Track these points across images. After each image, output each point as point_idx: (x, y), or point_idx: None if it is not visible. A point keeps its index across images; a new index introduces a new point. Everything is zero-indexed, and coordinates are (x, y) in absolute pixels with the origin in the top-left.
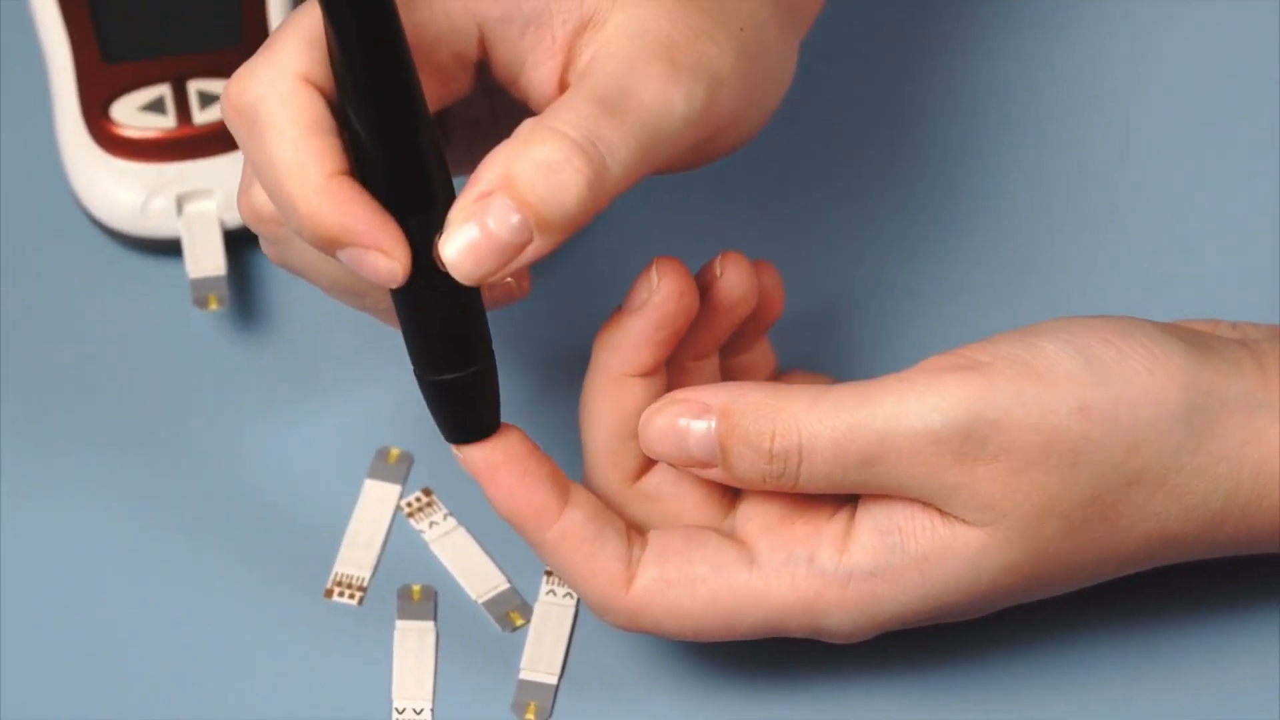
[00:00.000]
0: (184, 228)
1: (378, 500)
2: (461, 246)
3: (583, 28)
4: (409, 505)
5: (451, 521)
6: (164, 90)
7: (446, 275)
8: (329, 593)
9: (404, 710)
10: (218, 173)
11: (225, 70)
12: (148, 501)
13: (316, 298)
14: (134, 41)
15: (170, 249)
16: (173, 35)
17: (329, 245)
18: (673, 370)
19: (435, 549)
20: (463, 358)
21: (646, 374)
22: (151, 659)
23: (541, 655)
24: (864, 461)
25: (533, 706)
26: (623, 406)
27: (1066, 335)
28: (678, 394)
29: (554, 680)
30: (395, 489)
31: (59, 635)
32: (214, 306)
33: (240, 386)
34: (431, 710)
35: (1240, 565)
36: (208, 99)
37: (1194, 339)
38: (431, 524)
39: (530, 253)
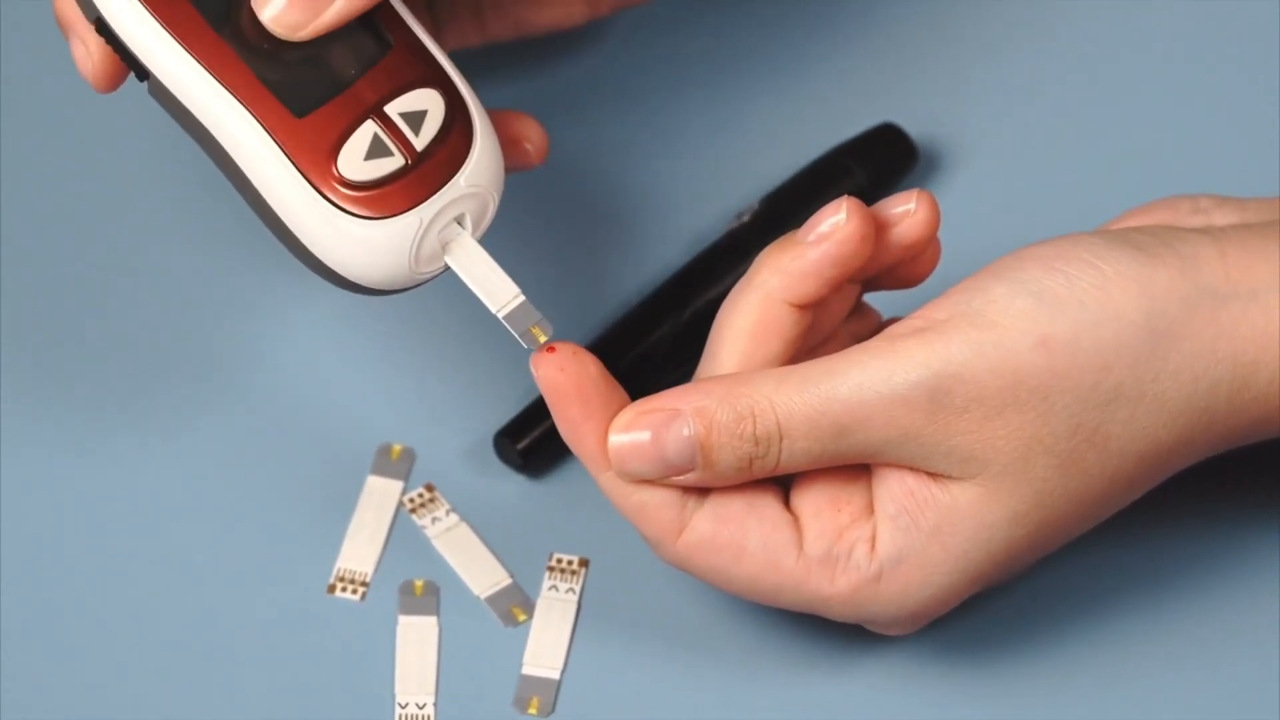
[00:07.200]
0: (460, 270)
1: (380, 496)
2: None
3: None
4: (411, 501)
5: (454, 517)
6: (373, 127)
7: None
8: (332, 588)
9: (406, 705)
10: (460, 197)
11: (398, 81)
12: (150, 496)
13: (319, 295)
14: (310, 86)
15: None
16: (336, 64)
17: None
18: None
19: (438, 545)
20: None
21: (802, 306)
22: (154, 653)
23: (544, 650)
24: (838, 432)
25: (535, 701)
26: (766, 331)
27: (1012, 272)
28: (637, 407)
29: (556, 675)
30: (398, 485)
31: (59, 626)
32: (541, 337)
33: (243, 382)
34: (434, 705)
35: (1242, 554)
36: (412, 119)
37: (1144, 242)
38: (434, 520)
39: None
